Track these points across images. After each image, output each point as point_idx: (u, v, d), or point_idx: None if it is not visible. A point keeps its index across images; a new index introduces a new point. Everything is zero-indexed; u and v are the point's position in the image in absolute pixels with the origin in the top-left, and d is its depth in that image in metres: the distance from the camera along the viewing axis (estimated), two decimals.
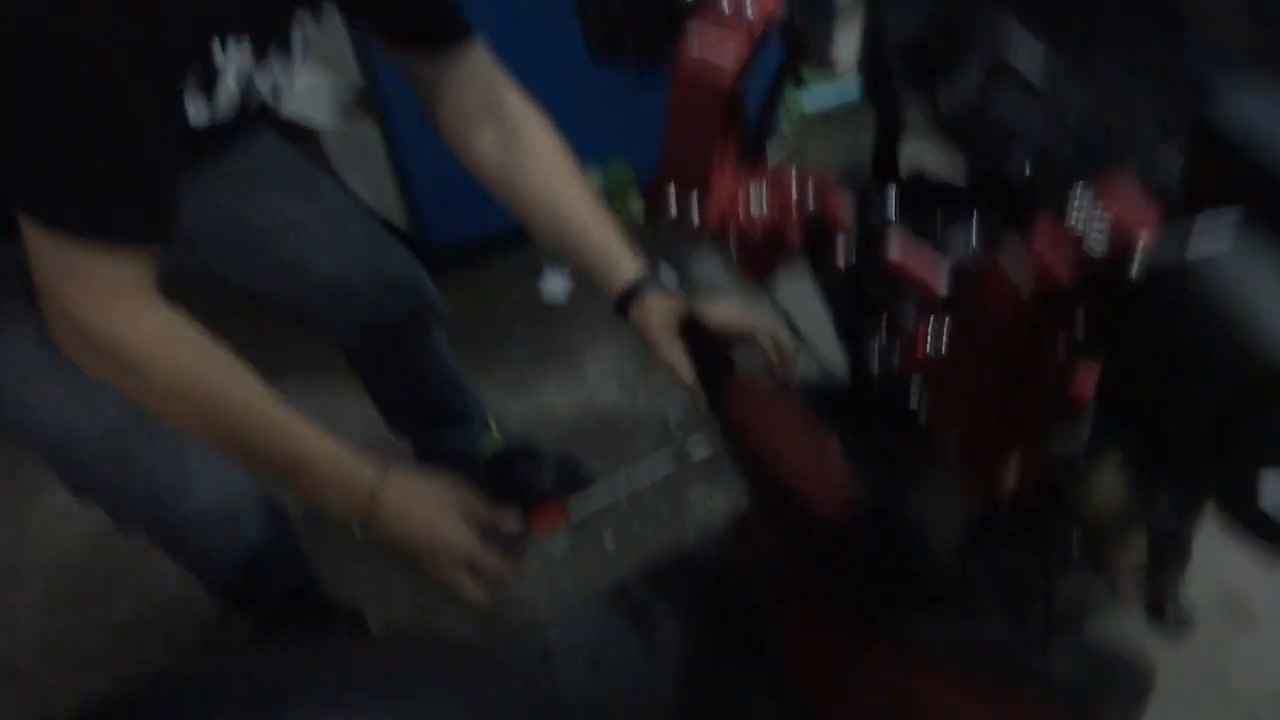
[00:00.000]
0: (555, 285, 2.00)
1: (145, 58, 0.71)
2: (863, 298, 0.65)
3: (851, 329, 0.69)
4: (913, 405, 0.61)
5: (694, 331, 0.92)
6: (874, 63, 0.63)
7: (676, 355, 0.97)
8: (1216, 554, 1.04)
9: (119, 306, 0.77)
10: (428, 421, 1.48)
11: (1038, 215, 0.45)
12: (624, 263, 1.00)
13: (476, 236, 1.96)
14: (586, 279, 1.05)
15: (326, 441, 0.87)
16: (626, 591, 1.20)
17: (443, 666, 0.57)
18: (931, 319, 0.58)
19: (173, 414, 0.84)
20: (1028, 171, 0.55)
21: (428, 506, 0.90)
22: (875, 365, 0.66)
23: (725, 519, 1.60)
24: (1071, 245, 0.42)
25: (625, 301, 1.00)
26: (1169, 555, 1.04)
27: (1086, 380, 0.49)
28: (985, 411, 0.52)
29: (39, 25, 0.66)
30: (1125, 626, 1.01)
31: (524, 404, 1.82)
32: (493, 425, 1.60)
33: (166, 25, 0.71)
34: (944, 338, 0.56)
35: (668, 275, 1.06)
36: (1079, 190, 0.43)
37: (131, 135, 0.73)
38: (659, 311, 0.98)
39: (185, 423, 0.84)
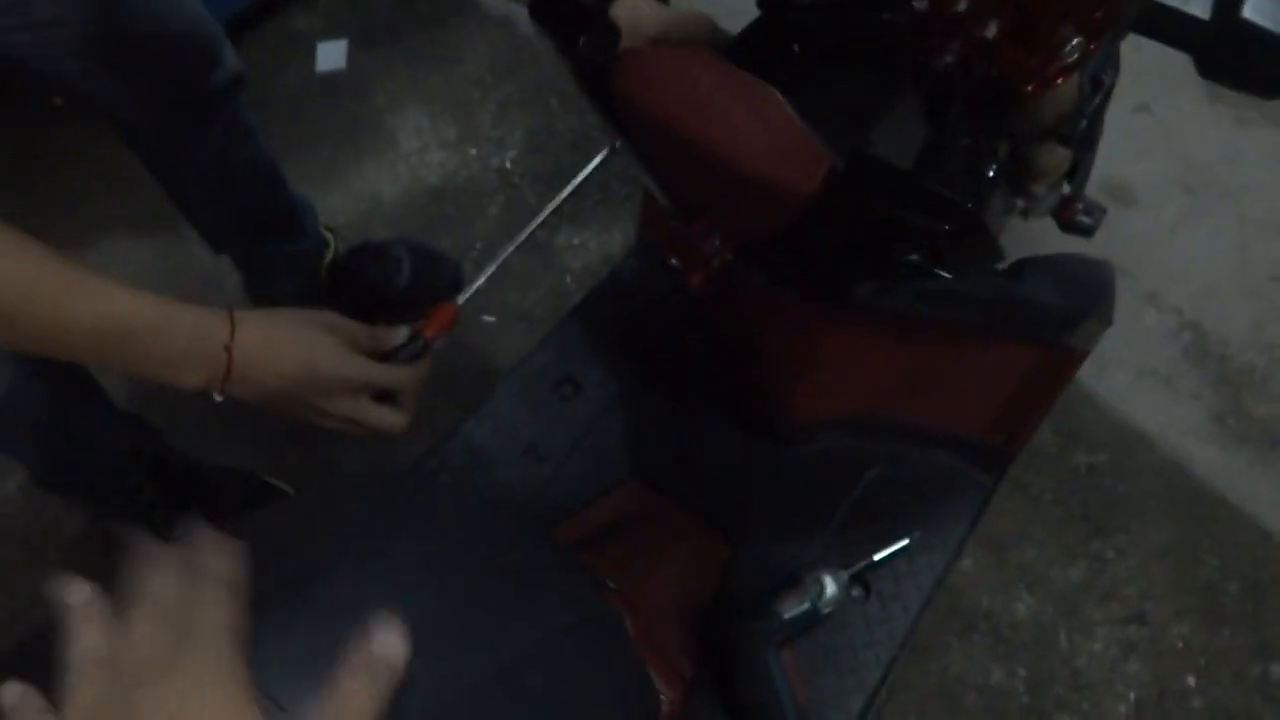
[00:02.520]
0: (330, 53, 1.70)
1: None
2: None
3: None
4: None
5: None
6: None
7: None
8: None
9: None
10: (253, 231, 1.27)
11: None
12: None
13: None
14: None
15: (155, 301, 0.66)
16: (534, 363, 1.08)
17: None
18: None
19: None
20: None
21: (297, 341, 0.72)
22: None
23: (609, 257, 1.49)
24: None
25: None
26: (1087, 149, 1.01)
27: None
28: None
29: None
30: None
31: (343, 197, 1.58)
32: (326, 231, 1.39)
33: None
34: None
35: None
36: None
37: None
38: None
39: None
